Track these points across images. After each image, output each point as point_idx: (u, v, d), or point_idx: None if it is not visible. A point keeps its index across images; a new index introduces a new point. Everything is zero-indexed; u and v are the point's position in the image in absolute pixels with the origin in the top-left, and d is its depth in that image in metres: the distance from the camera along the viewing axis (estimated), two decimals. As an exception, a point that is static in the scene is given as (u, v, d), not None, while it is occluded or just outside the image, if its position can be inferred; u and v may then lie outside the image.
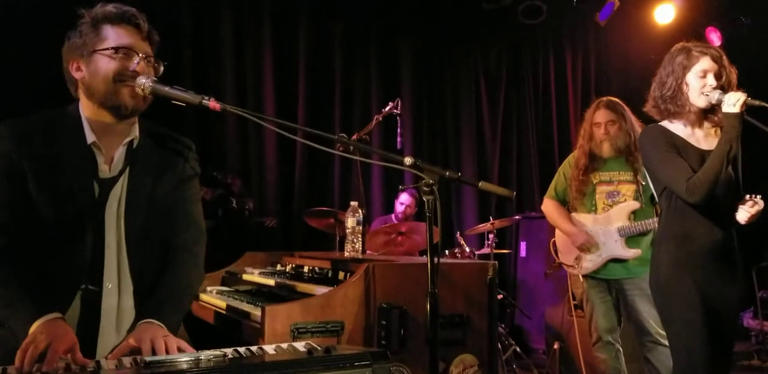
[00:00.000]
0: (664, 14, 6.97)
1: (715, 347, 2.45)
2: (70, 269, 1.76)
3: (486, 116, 7.10)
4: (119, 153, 1.87)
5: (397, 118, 4.07)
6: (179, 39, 5.36)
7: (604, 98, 3.68)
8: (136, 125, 1.92)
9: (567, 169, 3.76)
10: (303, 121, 5.83)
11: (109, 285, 1.80)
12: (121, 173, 1.86)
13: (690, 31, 6.56)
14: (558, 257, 3.84)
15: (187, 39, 5.41)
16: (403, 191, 5.53)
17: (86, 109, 1.84)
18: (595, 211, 3.60)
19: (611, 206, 3.55)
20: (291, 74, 5.92)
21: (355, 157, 2.17)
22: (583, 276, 3.61)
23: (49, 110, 1.88)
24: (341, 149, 3.03)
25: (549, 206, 3.81)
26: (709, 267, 2.50)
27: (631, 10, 7.10)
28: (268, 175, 5.71)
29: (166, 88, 1.75)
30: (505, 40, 7.24)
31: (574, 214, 3.69)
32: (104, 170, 1.84)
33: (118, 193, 1.84)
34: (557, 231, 3.85)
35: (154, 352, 1.57)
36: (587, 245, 3.54)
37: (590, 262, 3.56)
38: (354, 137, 3.66)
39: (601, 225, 3.55)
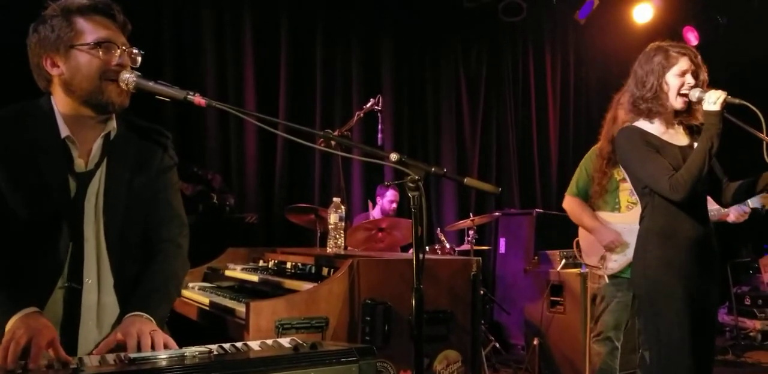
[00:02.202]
0: (643, 13, 7.09)
1: (698, 341, 2.47)
2: (46, 265, 1.71)
3: (466, 112, 7.13)
4: (96, 146, 1.81)
5: (378, 114, 4.07)
6: (159, 34, 5.30)
7: None
8: (114, 117, 1.85)
9: (588, 163, 3.60)
10: (283, 118, 5.80)
11: (89, 280, 1.75)
12: (98, 166, 1.80)
13: (667, 30, 6.66)
14: (582, 257, 3.68)
15: (167, 34, 5.36)
16: (387, 187, 5.52)
17: (62, 104, 1.77)
18: (619, 209, 3.47)
19: (635, 203, 3.37)
20: (272, 71, 5.88)
21: (339, 153, 2.16)
22: (607, 276, 3.46)
23: (20, 103, 1.80)
24: (323, 144, 3.03)
25: (572, 204, 3.64)
26: (693, 263, 2.52)
27: (610, 9, 7.19)
28: (249, 171, 5.68)
29: (150, 84, 1.71)
30: (485, 37, 7.28)
31: (597, 212, 3.54)
32: (80, 165, 1.78)
33: (96, 186, 1.79)
34: (581, 230, 3.66)
35: (140, 347, 1.55)
36: (615, 244, 3.37)
37: (615, 262, 3.40)
38: (336, 133, 3.64)
39: (625, 224, 3.37)
